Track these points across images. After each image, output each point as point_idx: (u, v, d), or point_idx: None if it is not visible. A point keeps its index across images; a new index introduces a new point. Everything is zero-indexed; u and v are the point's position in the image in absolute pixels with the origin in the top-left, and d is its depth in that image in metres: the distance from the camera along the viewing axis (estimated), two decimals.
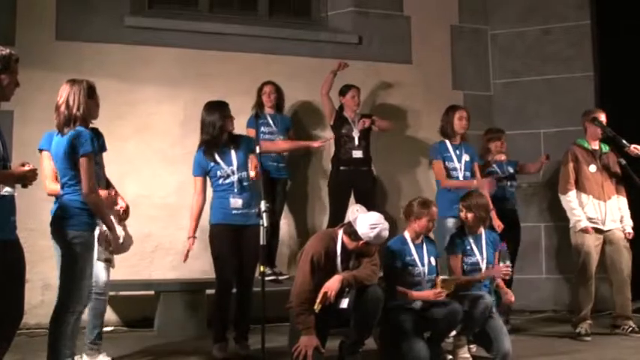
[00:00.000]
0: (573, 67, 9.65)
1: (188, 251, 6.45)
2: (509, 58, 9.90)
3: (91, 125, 5.29)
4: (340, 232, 5.78)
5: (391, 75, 9.33)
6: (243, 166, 6.48)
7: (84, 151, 5.04)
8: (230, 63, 8.63)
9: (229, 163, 6.45)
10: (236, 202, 6.42)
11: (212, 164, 6.47)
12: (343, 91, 8.35)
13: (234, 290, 6.53)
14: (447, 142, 7.76)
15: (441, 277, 6.16)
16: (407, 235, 6.26)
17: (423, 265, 6.17)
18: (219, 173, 6.45)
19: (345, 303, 5.64)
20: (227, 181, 6.45)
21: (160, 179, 8.29)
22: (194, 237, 6.48)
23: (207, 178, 6.57)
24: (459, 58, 9.76)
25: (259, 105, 8.21)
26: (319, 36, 9.17)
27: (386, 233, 5.70)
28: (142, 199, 8.00)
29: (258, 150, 6.18)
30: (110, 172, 5.95)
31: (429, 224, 6.24)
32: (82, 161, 5.03)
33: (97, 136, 5.47)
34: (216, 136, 6.46)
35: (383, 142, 8.71)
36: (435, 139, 8.05)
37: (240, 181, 6.44)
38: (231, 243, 6.41)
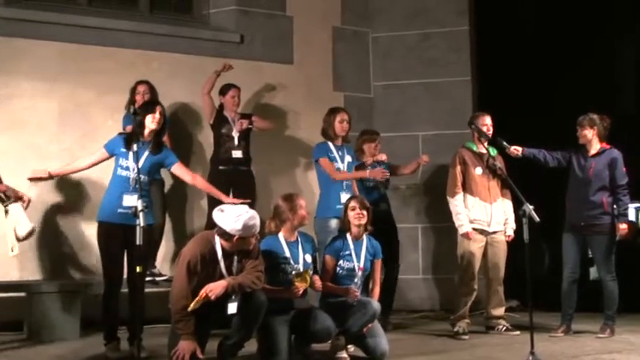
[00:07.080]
0: (452, 71, 9.84)
1: None
2: (389, 61, 10.01)
3: None
4: (216, 236, 5.68)
5: (272, 75, 9.30)
6: None
7: None
8: (110, 59, 8.42)
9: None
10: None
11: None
12: (223, 91, 8.27)
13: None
14: (330, 143, 7.79)
15: (294, 272, 6.01)
16: (280, 234, 6.17)
17: (297, 262, 6.09)
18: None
19: (234, 308, 5.61)
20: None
21: None
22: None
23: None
24: (341, 59, 9.82)
25: (132, 104, 7.95)
26: (201, 34, 9.06)
27: (254, 221, 5.58)
28: None
29: None
30: None
31: (302, 212, 6.13)
32: None
33: None
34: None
35: (263, 142, 8.65)
36: (314, 139, 8.05)
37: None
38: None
